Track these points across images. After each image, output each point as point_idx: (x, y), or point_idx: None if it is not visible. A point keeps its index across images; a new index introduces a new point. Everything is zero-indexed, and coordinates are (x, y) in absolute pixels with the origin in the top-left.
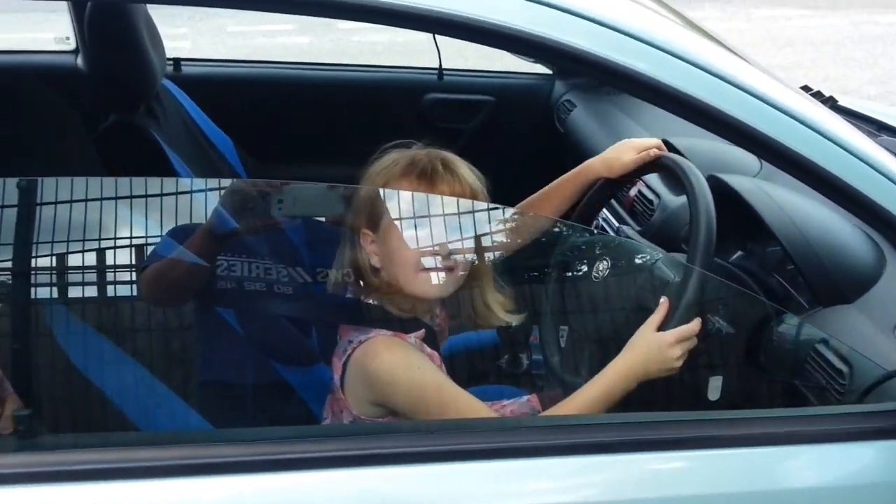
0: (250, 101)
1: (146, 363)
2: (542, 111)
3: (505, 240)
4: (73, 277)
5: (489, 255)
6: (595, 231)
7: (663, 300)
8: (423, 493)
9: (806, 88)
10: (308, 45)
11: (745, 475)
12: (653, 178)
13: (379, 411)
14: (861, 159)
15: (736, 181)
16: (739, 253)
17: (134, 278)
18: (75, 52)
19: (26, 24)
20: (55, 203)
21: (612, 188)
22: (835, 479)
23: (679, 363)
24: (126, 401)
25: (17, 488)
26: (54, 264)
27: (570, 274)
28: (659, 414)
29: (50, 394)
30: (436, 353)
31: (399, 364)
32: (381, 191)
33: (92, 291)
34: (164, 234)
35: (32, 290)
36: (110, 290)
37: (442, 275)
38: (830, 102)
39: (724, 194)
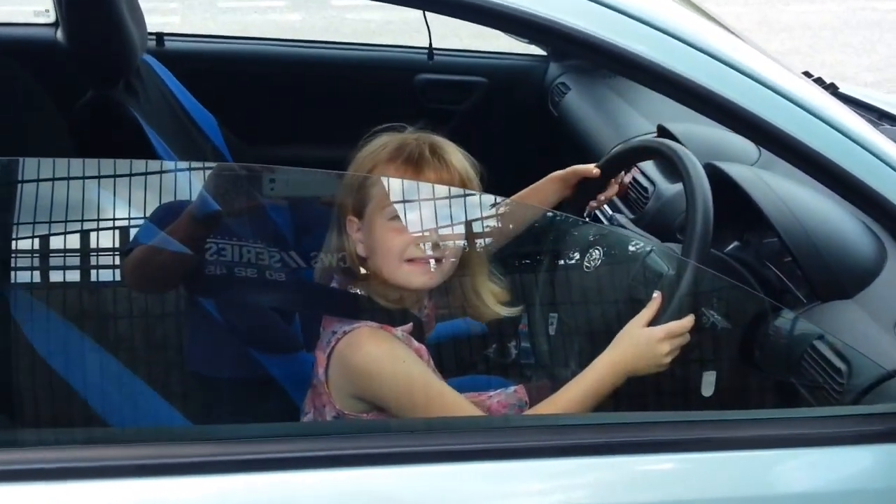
0: (235, 79)
1: (117, 353)
2: (535, 94)
3: (496, 229)
4: (40, 262)
5: (480, 245)
6: (587, 219)
7: (656, 295)
8: (409, 496)
9: (807, 74)
10: (300, 22)
11: (738, 479)
12: (648, 165)
13: (362, 406)
14: (864, 148)
15: (734, 169)
16: (735, 243)
17: (104, 263)
18: (55, 25)
19: None
20: (20, 182)
21: (596, 187)
22: (831, 484)
23: (668, 360)
24: (96, 393)
25: None
26: (22, 248)
27: (561, 262)
28: (651, 414)
29: (8, 384)
30: (423, 348)
31: (384, 356)
32: (367, 176)
33: (58, 276)
34: (142, 216)
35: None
36: (78, 276)
37: (428, 265)
38: (832, 89)
39: (722, 183)
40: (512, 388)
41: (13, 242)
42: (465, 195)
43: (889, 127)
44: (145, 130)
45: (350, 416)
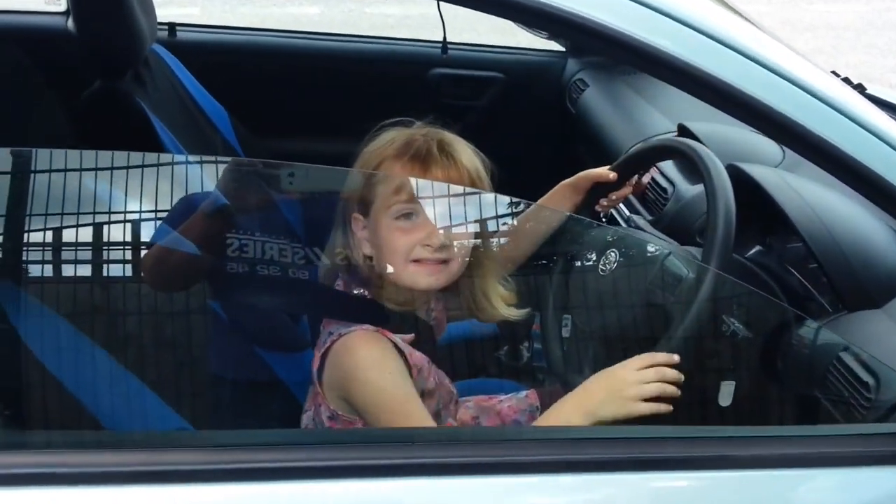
0: (247, 71)
1: (116, 353)
2: (553, 90)
3: (517, 240)
4: (36, 258)
5: (490, 246)
6: (604, 220)
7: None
8: None
9: (834, 74)
10: (319, 15)
11: (756, 500)
12: (667, 165)
13: (349, 407)
14: None
15: (757, 171)
16: (758, 248)
17: (105, 259)
18: (66, 13)
19: None
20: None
21: (611, 189)
22: None
23: (638, 407)
24: (92, 396)
25: None
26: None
27: (577, 264)
28: (665, 429)
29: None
30: (425, 359)
31: (372, 364)
32: (373, 173)
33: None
34: (149, 210)
35: None
36: (75, 272)
37: (435, 266)
38: (859, 90)
39: (744, 185)
40: (524, 393)
41: (12, 236)
42: (475, 194)
43: None
44: (152, 121)
45: (343, 416)
